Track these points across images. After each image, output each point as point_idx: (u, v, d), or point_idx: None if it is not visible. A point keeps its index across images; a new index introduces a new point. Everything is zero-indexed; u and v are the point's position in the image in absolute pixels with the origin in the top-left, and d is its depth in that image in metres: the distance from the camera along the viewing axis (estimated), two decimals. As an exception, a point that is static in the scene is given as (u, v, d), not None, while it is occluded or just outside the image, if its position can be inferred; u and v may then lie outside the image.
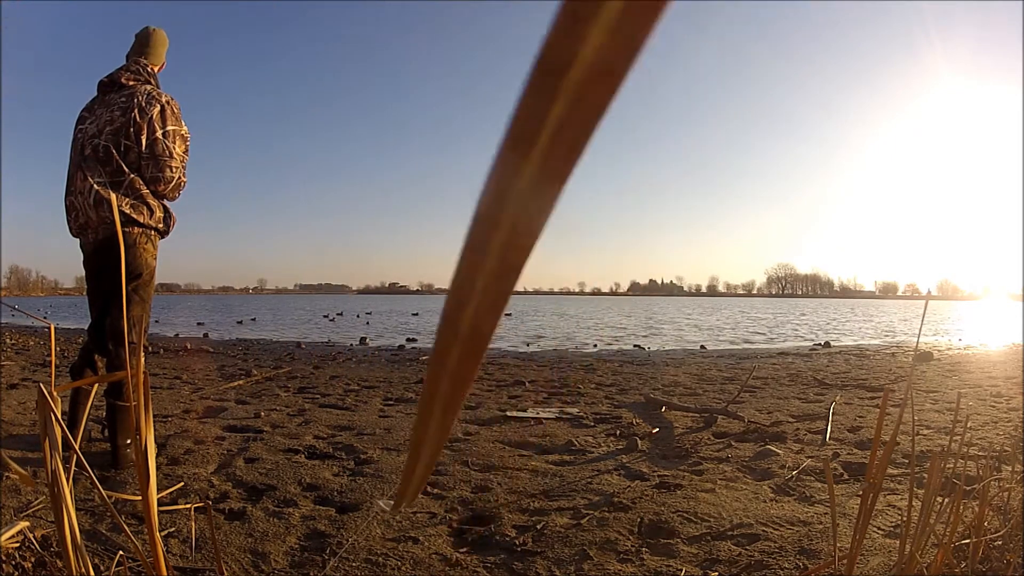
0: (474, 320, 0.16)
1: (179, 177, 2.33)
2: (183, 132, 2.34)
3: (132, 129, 2.24)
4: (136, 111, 2.24)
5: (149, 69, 2.40)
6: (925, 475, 1.32)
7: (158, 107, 2.27)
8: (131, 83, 2.34)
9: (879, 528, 1.65)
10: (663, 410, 3.50)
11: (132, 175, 2.25)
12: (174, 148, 2.29)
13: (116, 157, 2.23)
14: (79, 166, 2.26)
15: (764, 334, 12.56)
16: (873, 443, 0.84)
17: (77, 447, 0.75)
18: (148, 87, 2.34)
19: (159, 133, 2.26)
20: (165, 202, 2.37)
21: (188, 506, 1.80)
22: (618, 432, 2.92)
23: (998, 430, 2.91)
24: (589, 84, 0.14)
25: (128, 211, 2.22)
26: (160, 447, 2.46)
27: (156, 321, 15.24)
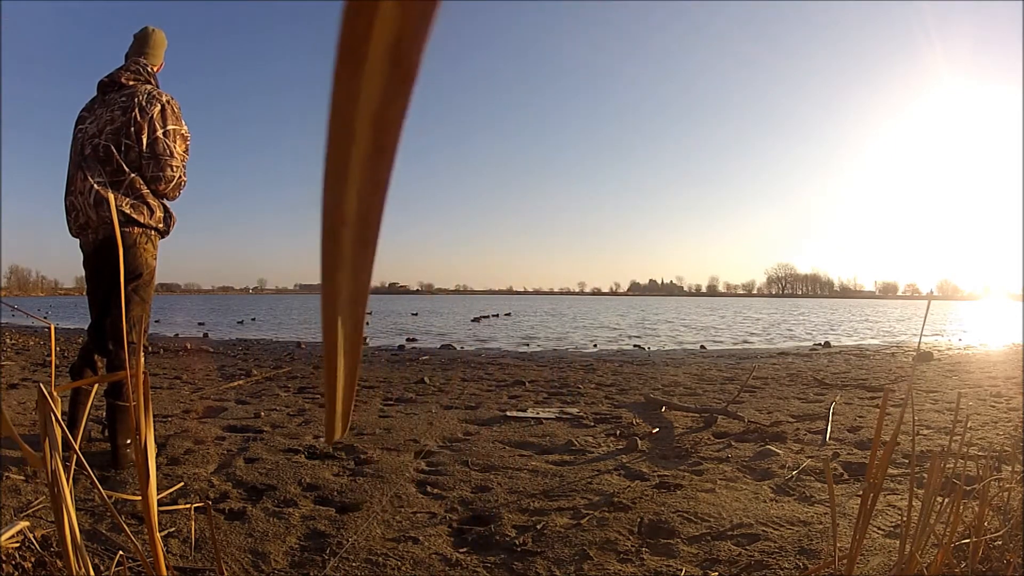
0: (359, 204, 0.17)
1: (180, 176, 2.33)
2: (183, 131, 2.34)
3: (132, 128, 2.24)
4: (136, 110, 2.24)
5: (149, 69, 2.40)
6: (925, 475, 1.32)
7: (158, 106, 2.27)
8: (131, 83, 2.35)
9: (879, 528, 1.65)
10: (663, 410, 3.50)
11: (132, 175, 2.25)
12: (175, 147, 2.29)
13: (116, 157, 2.23)
14: (79, 166, 2.26)
15: (759, 335, 12.51)
16: (873, 443, 0.84)
17: (77, 447, 0.75)
18: (148, 87, 2.34)
19: (160, 132, 2.26)
20: (165, 202, 2.37)
21: (188, 506, 1.80)
22: (618, 432, 2.92)
23: (998, 430, 2.91)
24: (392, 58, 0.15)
25: (128, 211, 2.22)
26: (160, 447, 2.46)
27: (156, 321, 15.24)
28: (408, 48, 0.15)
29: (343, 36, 0.15)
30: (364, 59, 0.15)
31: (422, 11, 0.15)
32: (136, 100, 2.26)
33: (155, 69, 2.46)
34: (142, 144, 2.24)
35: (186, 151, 2.37)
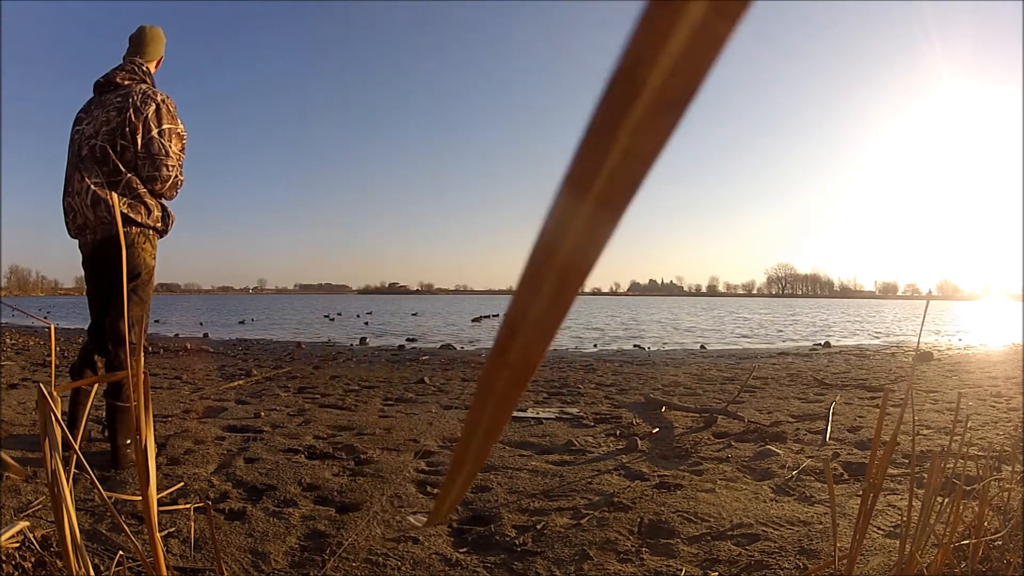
0: (524, 350, 0.17)
1: (176, 175, 2.32)
2: (179, 130, 2.33)
3: (128, 128, 2.23)
4: (131, 110, 2.24)
5: (144, 68, 2.39)
6: (925, 475, 1.32)
7: (153, 106, 2.26)
8: (126, 82, 2.34)
9: (879, 528, 1.65)
10: (663, 410, 3.50)
11: (129, 175, 2.24)
12: (170, 146, 2.28)
13: (113, 157, 2.23)
14: (76, 167, 2.25)
15: (748, 336, 12.44)
16: (873, 443, 0.84)
17: (77, 447, 0.75)
18: (143, 86, 2.33)
19: (155, 132, 2.25)
20: (163, 201, 2.36)
21: (188, 506, 1.80)
22: (618, 432, 2.92)
23: (998, 430, 2.91)
24: (653, 117, 0.13)
25: (126, 211, 2.22)
26: (160, 447, 2.46)
27: (156, 321, 15.24)
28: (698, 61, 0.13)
29: (635, 44, 0.13)
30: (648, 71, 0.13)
31: (730, 15, 0.13)
32: (131, 100, 2.26)
33: (153, 66, 2.45)
34: (137, 144, 2.24)
35: (182, 150, 2.36)
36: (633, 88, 0.13)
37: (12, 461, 0.67)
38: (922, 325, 0.92)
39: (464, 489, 0.22)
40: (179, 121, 2.34)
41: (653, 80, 0.13)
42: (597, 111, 0.13)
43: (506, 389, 0.17)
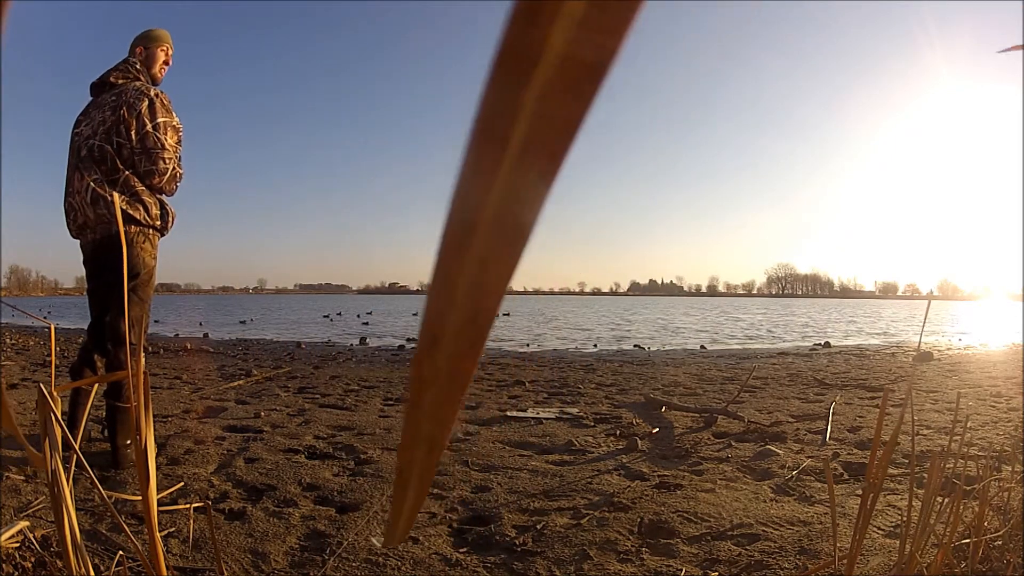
0: (454, 349, 0.14)
1: (173, 168, 2.31)
2: (174, 123, 2.33)
3: (123, 126, 2.23)
4: (125, 108, 2.24)
5: (138, 66, 2.39)
6: (925, 475, 1.32)
7: (146, 101, 2.26)
8: (120, 81, 2.34)
9: (879, 528, 1.65)
10: (663, 410, 3.50)
11: (126, 172, 2.24)
12: (165, 139, 2.27)
13: (111, 155, 2.23)
14: (76, 167, 2.26)
15: (736, 337, 12.36)
16: (873, 443, 0.84)
17: (77, 447, 0.75)
18: (137, 83, 2.33)
19: (149, 127, 2.25)
20: (163, 198, 2.36)
21: (188, 506, 1.80)
22: (618, 432, 2.92)
23: (998, 430, 2.91)
24: (569, 64, 0.12)
25: (125, 208, 2.22)
26: (160, 447, 2.46)
27: (156, 321, 15.24)
28: (596, 57, 0.12)
29: (508, 37, 0.12)
30: (533, 66, 0.12)
31: (620, 15, 0.12)
32: (124, 98, 2.26)
33: (157, 65, 2.45)
34: (132, 140, 2.24)
35: (178, 143, 2.35)
36: (538, 32, 0.12)
37: (30, 447, 0.67)
38: (923, 325, 0.92)
39: (416, 506, 0.19)
40: (174, 115, 2.33)
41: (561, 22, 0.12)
42: (499, 58, 0.12)
43: (439, 399, 0.15)
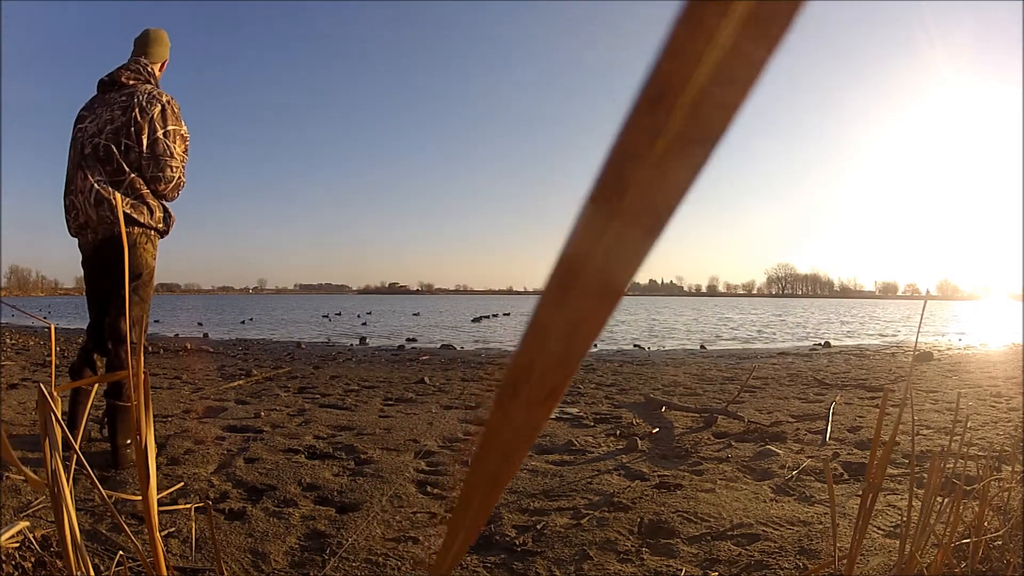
0: (541, 383, 0.15)
1: (179, 177, 2.33)
2: (183, 132, 2.34)
3: (133, 129, 2.23)
4: (137, 110, 2.24)
5: (149, 68, 2.40)
6: (925, 475, 1.32)
7: (159, 107, 2.27)
8: (131, 82, 2.34)
9: (879, 528, 1.65)
10: (663, 410, 3.50)
11: (132, 175, 2.25)
12: (174, 148, 2.29)
13: (117, 156, 2.23)
14: (79, 165, 2.25)
15: (723, 337, 12.29)
16: (873, 443, 0.84)
17: (77, 447, 0.75)
18: (149, 86, 2.34)
19: (160, 133, 2.26)
20: (164, 202, 2.37)
21: (188, 506, 1.80)
22: (618, 432, 2.92)
23: (998, 430, 2.91)
24: (698, 117, 0.12)
25: (128, 211, 2.22)
26: (160, 447, 2.46)
27: (156, 321, 15.24)
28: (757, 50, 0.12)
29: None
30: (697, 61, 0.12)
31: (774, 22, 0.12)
32: (136, 100, 2.26)
33: (158, 67, 2.45)
34: (142, 144, 2.24)
35: (185, 151, 2.36)
36: (657, 120, 0.12)
37: (28, 471, 0.67)
38: (919, 325, 0.92)
39: (468, 541, 0.19)
40: (183, 123, 2.34)
41: (680, 110, 0.12)
42: (621, 137, 0.12)
43: (513, 440, 0.16)
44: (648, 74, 0.12)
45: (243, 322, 16.77)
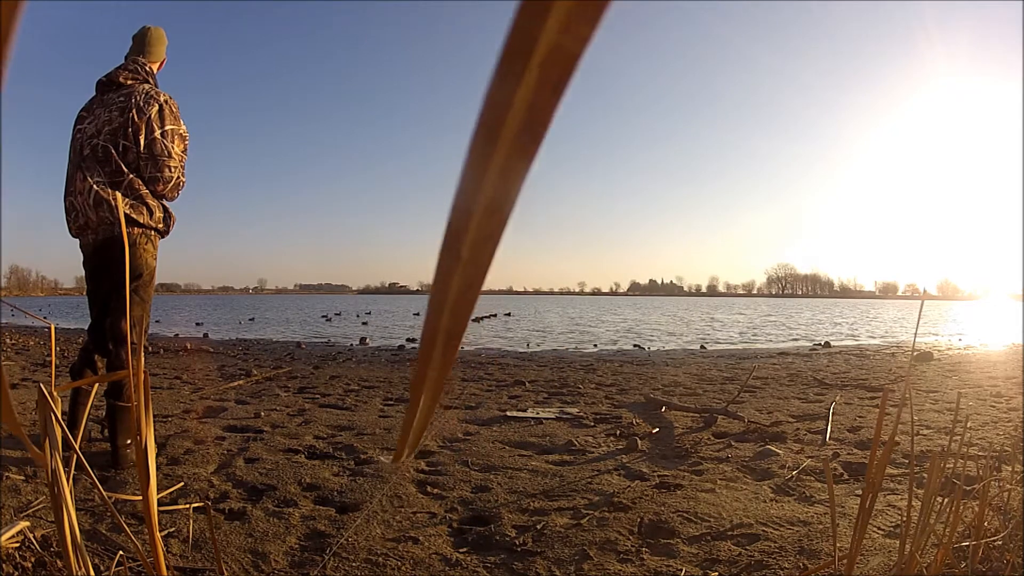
0: (475, 242, 0.18)
1: (178, 177, 2.33)
2: (182, 131, 2.33)
3: (131, 129, 2.23)
4: (134, 111, 2.24)
5: (147, 68, 2.39)
6: (925, 475, 1.32)
7: (156, 106, 2.26)
8: (129, 82, 2.34)
9: (879, 528, 1.65)
10: (663, 410, 3.50)
11: (131, 175, 2.24)
12: (173, 148, 2.28)
13: (115, 157, 2.23)
14: (78, 166, 2.25)
15: (705, 340, 12.09)
16: (873, 443, 0.84)
17: (77, 447, 0.75)
18: (146, 86, 2.33)
19: (157, 133, 2.25)
20: (164, 202, 2.37)
21: (188, 506, 1.80)
22: (618, 432, 2.92)
23: (998, 430, 2.91)
24: (551, 65, 0.15)
25: (128, 211, 2.22)
26: (160, 447, 2.46)
27: (156, 321, 15.24)
28: (571, 50, 0.15)
29: (514, 35, 0.15)
30: (527, 61, 0.15)
31: (592, 12, 0.15)
32: (134, 100, 2.26)
33: (155, 67, 2.45)
34: (140, 144, 2.24)
35: (184, 151, 2.36)
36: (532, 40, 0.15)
37: (32, 446, 0.67)
38: (917, 325, 0.92)
39: (425, 424, 0.22)
40: (181, 122, 2.34)
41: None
42: (503, 58, 0.15)
43: (461, 289, 0.18)
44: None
45: (241, 322, 16.76)
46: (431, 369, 0.20)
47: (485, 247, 0.17)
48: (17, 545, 1.37)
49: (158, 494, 0.74)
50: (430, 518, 1.79)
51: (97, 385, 2.32)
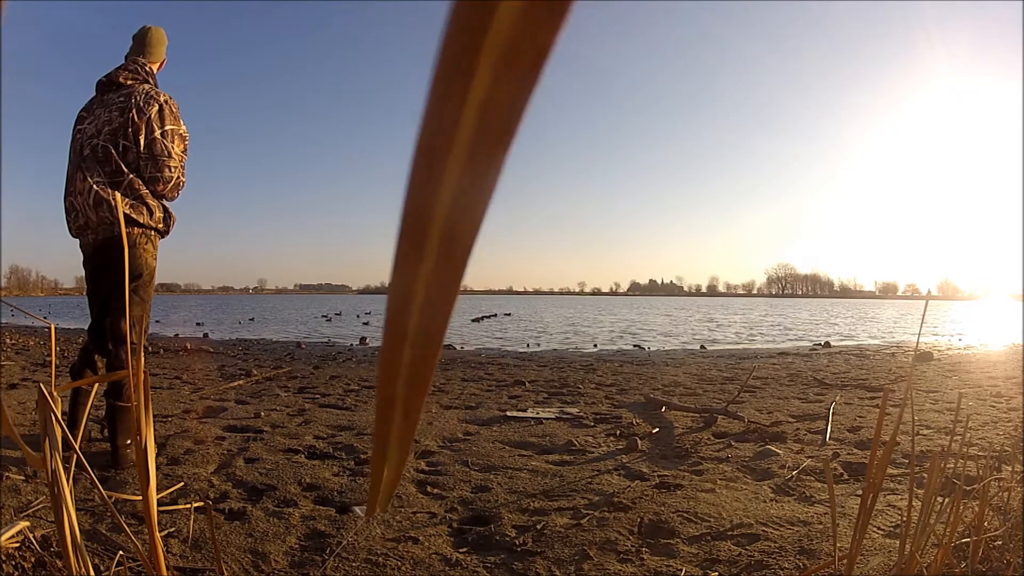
0: (420, 320, 0.15)
1: (178, 177, 2.33)
2: (182, 131, 2.33)
3: (130, 129, 2.23)
4: (134, 111, 2.24)
5: (147, 68, 2.39)
6: (925, 475, 1.32)
7: (156, 106, 2.26)
8: (129, 82, 2.34)
9: (879, 528, 1.65)
10: (663, 410, 3.50)
11: (131, 175, 2.25)
12: (172, 148, 2.28)
13: (115, 157, 2.23)
14: (78, 167, 2.25)
15: (709, 338, 12.09)
16: (873, 443, 0.84)
17: (77, 447, 0.75)
18: (146, 86, 2.33)
19: (157, 133, 2.25)
20: (164, 202, 2.37)
21: (188, 506, 1.80)
22: (618, 432, 2.92)
23: (998, 430, 2.91)
24: (513, 53, 0.12)
25: (128, 211, 2.22)
26: (160, 447, 2.46)
27: (156, 321, 15.24)
28: (530, 52, 0.12)
29: (450, 36, 0.12)
30: (474, 65, 0.13)
31: (551, 13, 0.12)
32: (134, 100, 2.26)
33: (155, 67, 2.45)
34: (140, 145, 2.24)
35: (184, 151, 2.36)
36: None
37: (27, 448, 0.67)
38: (921, 325, 0.92)
39: (396, 476, 0.20)
40: (181, 122, 2.34)
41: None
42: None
43: (412, 366, 0.16)
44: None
45: (241, 322, 16.76)
46: (396, 412, 0.17)
47: (448, 271, 0.15)
48: (17, 545, 1.37)
49: (158, 494, 0.74)
50: (430, 518, 1.79)
51: (97, 385, 2.32)
